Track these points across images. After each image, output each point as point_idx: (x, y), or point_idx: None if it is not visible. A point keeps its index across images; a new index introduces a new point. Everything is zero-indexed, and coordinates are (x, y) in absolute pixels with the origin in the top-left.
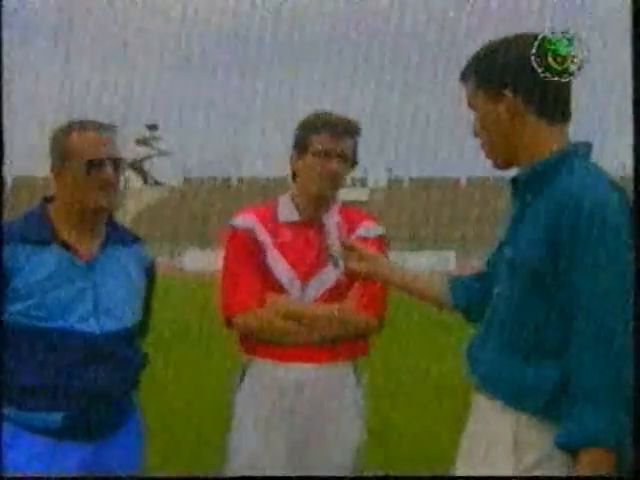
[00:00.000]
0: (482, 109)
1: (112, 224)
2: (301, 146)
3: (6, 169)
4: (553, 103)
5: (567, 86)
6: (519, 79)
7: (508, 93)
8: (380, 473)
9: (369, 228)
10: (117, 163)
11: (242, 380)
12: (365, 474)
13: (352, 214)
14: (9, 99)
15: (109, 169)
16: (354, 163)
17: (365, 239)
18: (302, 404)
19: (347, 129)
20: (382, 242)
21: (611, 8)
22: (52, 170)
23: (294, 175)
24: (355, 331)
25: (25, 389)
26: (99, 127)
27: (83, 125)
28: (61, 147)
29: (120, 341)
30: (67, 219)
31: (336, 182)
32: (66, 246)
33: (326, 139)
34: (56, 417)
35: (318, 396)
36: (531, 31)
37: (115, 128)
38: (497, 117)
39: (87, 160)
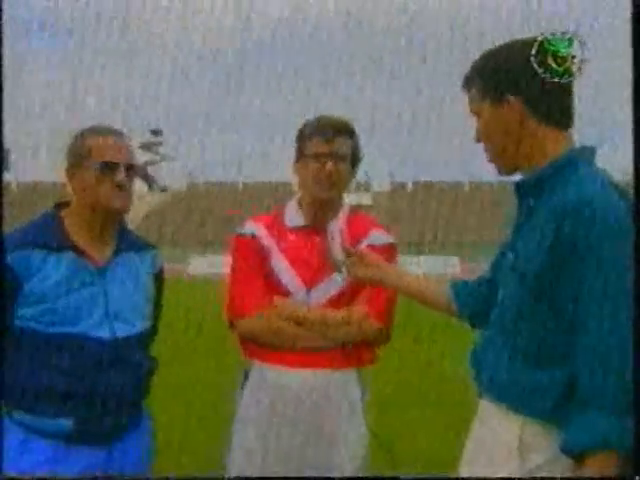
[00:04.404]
0: (486, 115)
1: (124, 230)
2: (299, 153)
3: (11, 174)
4: (557, 108)
5: (569, 91)
6: (522, 84)
7: (512, 98)
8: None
9: (379, 236)
10: (130, 168)
11: (244, 383)
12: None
13: (362, 221)
14: (12, 103)
15: (122, 173)
16: (356, 162)
17: (374, 247)
18: (302, 409)
19: (339, 130)
20: (392, 251)
21: (611, 8)
22: (67, 173)
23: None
24: (361, 338)
25: (36, 394)
26: (114, 133)
27: (99, 130)
28: (77, 150)
29: (131, 346)
30: (80, 224)
31: (334, 183)
32: (79, 251)
33: (318, 142)
34: (67, 422)
35: (318, 402)
36: (531, 32)
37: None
38: (501, 123)
39: (101, 162)
